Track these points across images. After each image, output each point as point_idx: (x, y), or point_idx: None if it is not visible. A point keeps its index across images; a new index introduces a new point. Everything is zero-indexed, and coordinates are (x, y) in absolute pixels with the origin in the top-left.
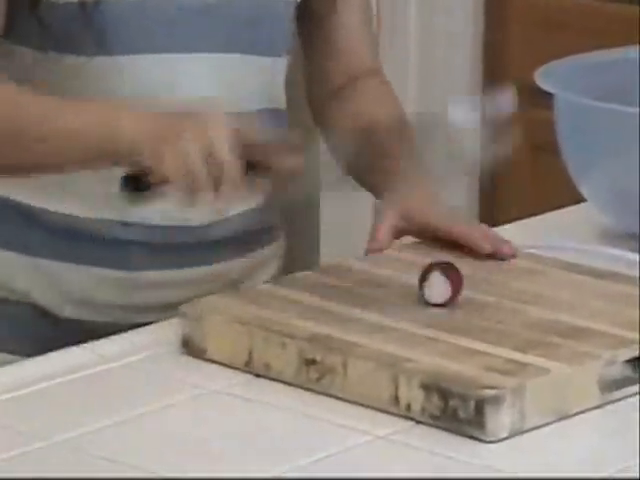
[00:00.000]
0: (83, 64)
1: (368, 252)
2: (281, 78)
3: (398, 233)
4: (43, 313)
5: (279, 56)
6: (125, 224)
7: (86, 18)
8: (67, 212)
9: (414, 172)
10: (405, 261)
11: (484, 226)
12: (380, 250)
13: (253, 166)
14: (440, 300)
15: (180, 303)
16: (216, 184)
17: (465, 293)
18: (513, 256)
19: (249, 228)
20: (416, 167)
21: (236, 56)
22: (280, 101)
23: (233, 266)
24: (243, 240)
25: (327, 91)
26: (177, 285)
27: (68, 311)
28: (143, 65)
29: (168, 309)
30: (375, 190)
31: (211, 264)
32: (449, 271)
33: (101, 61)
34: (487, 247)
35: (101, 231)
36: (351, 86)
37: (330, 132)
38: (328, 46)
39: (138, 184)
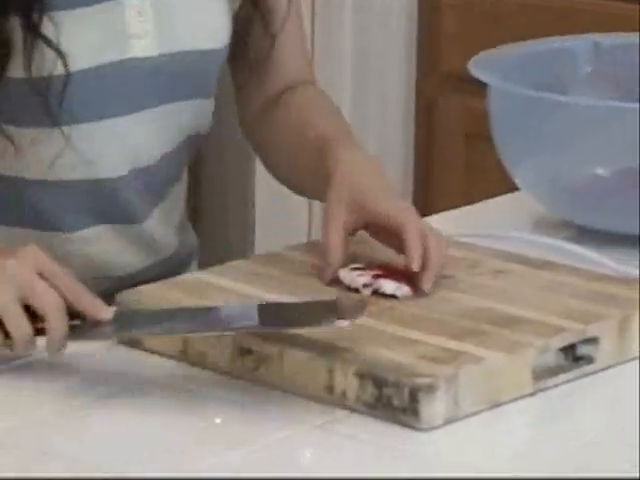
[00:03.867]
0: (27, 135)
1: (325, 278)
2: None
3: (352, 229)
4: None
5: (209, 98)
6: None
7: (37, 92)
8: None
9: (356, 161)
10: None
11: (434, 236)
12: (335, 268)
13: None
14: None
15: None
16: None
17: None
18: (424, 294)
19: (165, 269)
20: (358, 156)
21: (175, 104)
22: (207, 124)
23: None
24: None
25: (261, 103)
26: None
27: None
28: (90, 132)
29: None
30: (318, 193)
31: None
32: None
33: (47, 132)
34: (415, 267)
35: None
36: (285, 95)
37: (264, 145)
38: (261, 63)
39: None
